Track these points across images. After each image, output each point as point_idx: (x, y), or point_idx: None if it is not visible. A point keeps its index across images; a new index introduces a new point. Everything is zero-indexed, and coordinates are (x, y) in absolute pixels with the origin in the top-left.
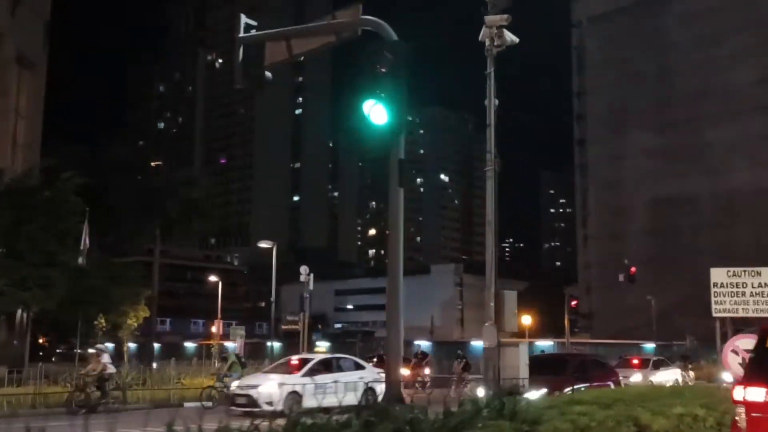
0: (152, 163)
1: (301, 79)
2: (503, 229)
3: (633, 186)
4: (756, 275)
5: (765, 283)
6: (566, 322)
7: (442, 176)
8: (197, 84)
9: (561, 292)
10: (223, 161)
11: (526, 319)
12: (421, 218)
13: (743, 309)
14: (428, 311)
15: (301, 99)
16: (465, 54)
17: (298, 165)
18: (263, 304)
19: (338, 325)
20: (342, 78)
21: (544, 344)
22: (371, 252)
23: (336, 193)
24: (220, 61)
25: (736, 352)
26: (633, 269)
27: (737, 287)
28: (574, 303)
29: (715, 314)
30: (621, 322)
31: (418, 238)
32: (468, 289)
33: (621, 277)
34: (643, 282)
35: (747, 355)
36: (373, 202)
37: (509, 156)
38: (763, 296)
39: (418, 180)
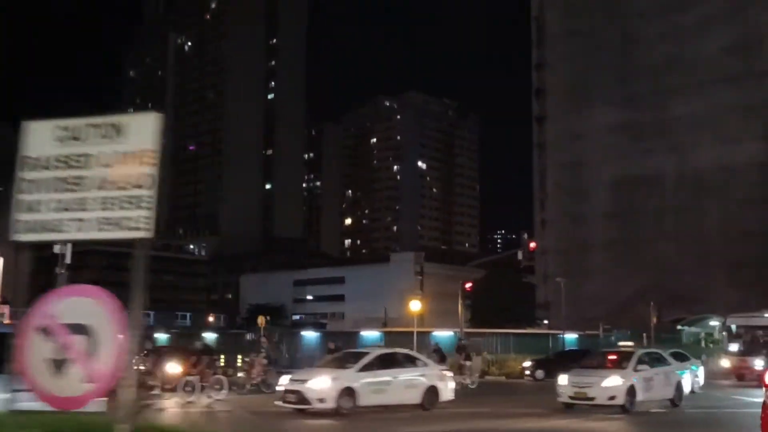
0: None
1: (273, 63)
2: (497, 220)
3: (594, 165)
4: (107, 131)
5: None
6: (460, 309)
7: (420, 163)
8: (167, 68)
9: (524, 281)
10: (191, 148)
11: (415, 305)
12: (398, 207)
13: (79, 224)
14: (387, 302)
15: (273, 84)
16: (446, 36)
17: (270, 152)
18: (230, 296)
19: (297, 317)
20: (318, 63)
21: (442, 335)
22: (347, 242)
23: (318, 183)
24: (189, 44)
25: (49, 333)
26: (532, 245)
27: (74, 166)
28: (468, 286)
29: (15, 237)
30: (580, 312)
31: (395, 228)
32: (430, 279)
33: (519, 255)
34: (605, 268)
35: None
36: (350, 191)
37: (501, 141)
38: (114, 191)
39: (395, 167)
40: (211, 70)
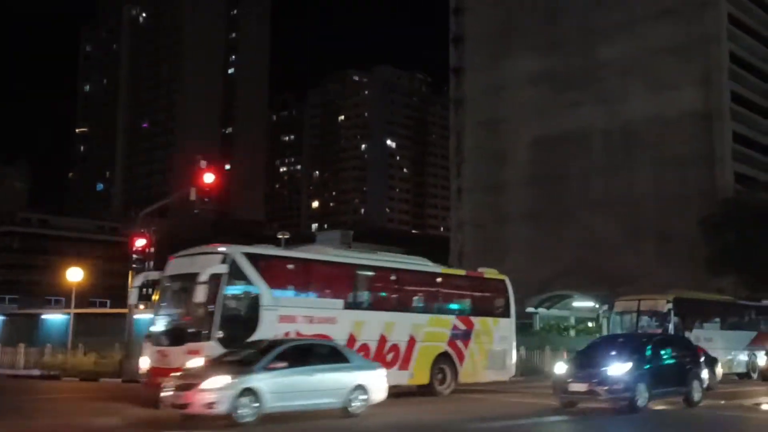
0: (77, 130)
1: (234, 35)
2: None
3: (514, 122)
4: None
5: None
6: (130, 280)
7: (389, 142)
8: (122, 42)
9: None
10: (145, 125)
11: (74, 274)
12: (365, 188)
13: None
14: None
15: (234, 57)
16: (419, 7)
17: (229, 130)
18: None
19: None
20: (283, 35)
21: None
22: (314, 226)
23: (299, 166)
24: (144, 15)
25: None
26: (208, 179)
27: None
28: (141, 245)
29: None
30: None
31: (362, 210)
32: None
33: (192, 194)
34: (526, 243)
35: None
36: (317, 171)
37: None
38: None
39: (363, 146)
40: (167, 43)
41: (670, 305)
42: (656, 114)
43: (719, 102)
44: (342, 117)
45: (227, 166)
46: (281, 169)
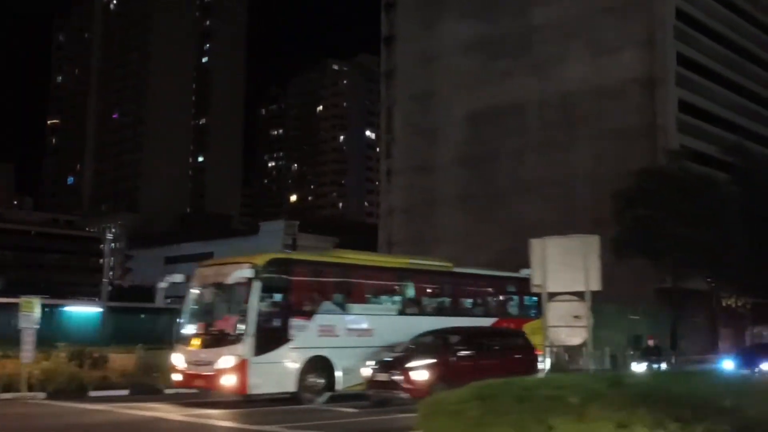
0: (49, 121)
1: (208, 23)
2: None
3: (448, 96)
4: None
5: None
6: None
7: (368, 132)
8: (94, 30)
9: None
10: (114, 116)
11: None
12: (344, 181)
13: None
14: None
15: (208, 45)
16: None
17: (203, 121)
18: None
19: (168, 301)
20: (258, 21)
21: None
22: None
23: (285, 160)
24: (115, 2)
25: None
26: None
27: None
28: None
29: None
30: None
31: (341, 204)
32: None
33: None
34: (458, 229)
35: None
36: (295, 164)
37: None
38: None
39: (341, 138)
40: (138, 30)
41: (250, 272)
42: (595, 82)
43: (663, 65)
44: (320, 108)
45: (200, 158)
46: (270, 164)
